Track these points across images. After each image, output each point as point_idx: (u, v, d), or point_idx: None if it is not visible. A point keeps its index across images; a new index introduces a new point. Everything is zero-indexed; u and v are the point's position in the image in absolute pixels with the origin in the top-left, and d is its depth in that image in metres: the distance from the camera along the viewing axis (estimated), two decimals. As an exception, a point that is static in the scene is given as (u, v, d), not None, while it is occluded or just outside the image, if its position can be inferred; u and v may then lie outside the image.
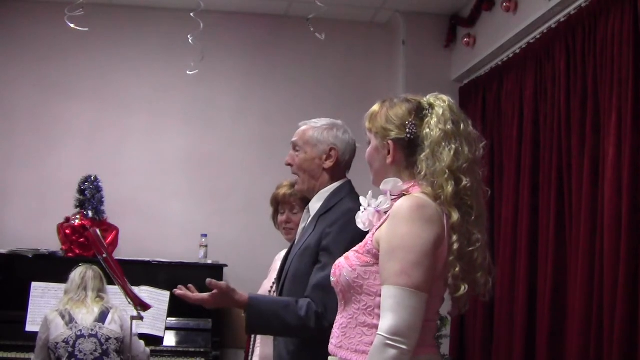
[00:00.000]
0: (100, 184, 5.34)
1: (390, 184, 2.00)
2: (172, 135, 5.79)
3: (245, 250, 5.45)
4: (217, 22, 5.61)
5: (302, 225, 2.73)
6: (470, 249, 1.93)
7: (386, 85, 5.84)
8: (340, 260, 2.02)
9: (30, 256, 5.13)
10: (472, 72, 5.49)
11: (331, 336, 2.04)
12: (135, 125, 5.76)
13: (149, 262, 5.26)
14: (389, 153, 2.03)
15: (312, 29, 4.11)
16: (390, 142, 2.02)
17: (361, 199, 2.09)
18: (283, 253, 3.36)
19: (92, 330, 3.94)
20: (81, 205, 5.27)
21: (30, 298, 4.75)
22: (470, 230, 1.93)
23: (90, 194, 5.27)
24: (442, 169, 1.92)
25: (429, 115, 2.00)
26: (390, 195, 2.00)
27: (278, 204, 3.20)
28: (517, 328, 4.41)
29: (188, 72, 4.57)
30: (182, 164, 5.78)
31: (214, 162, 5.80)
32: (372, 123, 2.08)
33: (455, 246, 1.90)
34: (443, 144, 1.94)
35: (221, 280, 5.26)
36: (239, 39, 5.89)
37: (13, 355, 4.73)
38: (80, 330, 3.93)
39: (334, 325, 2.04)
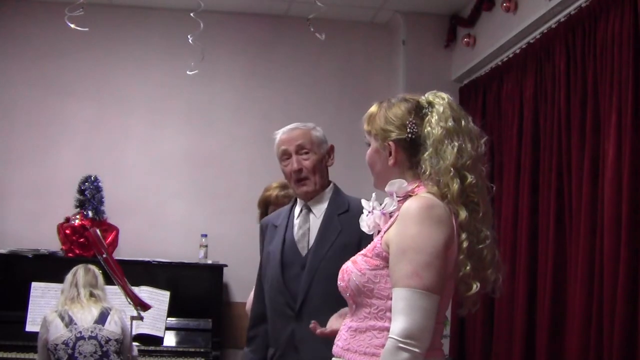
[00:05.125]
0: (100, 184, 5.34)
1: (395, 185, 1.96)
2: (172, 135, 5.79)
3: (245, 250, 5.41)
4: (217, 22, 5.61)
5: (305, 226, 2.66)
6: (480, 246, 1.91)
7: (386, 85, 5.84)
8: (348, 265, 1.97)
9: (30, 256, 5.13)
10: (472, 72, 5.49)
11: (336, 338, 2.00)
12: (135, 125, 5.76)
13: (149, 262, 5.26)
14: (390, 154, 1.99)
15: (312, 29, 4.09)
16: (391, 143, 1.98)
17: (364, 202, 2.06)
18: None
19: (91, 332, 3.93)
20: (81, 205, 5.28)
21: (30, 298, 4.76)
22: (479, 228, 1.91)
23: (90, 194, 5.27)
24: (446, 167, 1.89)
25: (429, 113, 1.97)
26: (396, 196, 1.96)
27: (268, 206, 3.14)
28: (517, 328, 4.41)
29: (188, 72, 4.56)
30: (182, 164, 5.77)
31: (214, 162, 5.79)
32: (371, 125, 2.04)
33: (465, 245, 1.88)
34: (445, 141, 1.92)
35: (221, 280, 5.30)
36: (239, 39, 5.89)
37: (13, 355, 4.73)
38: (80, 332, 3.91)
39: (341, 328, 2.00)
